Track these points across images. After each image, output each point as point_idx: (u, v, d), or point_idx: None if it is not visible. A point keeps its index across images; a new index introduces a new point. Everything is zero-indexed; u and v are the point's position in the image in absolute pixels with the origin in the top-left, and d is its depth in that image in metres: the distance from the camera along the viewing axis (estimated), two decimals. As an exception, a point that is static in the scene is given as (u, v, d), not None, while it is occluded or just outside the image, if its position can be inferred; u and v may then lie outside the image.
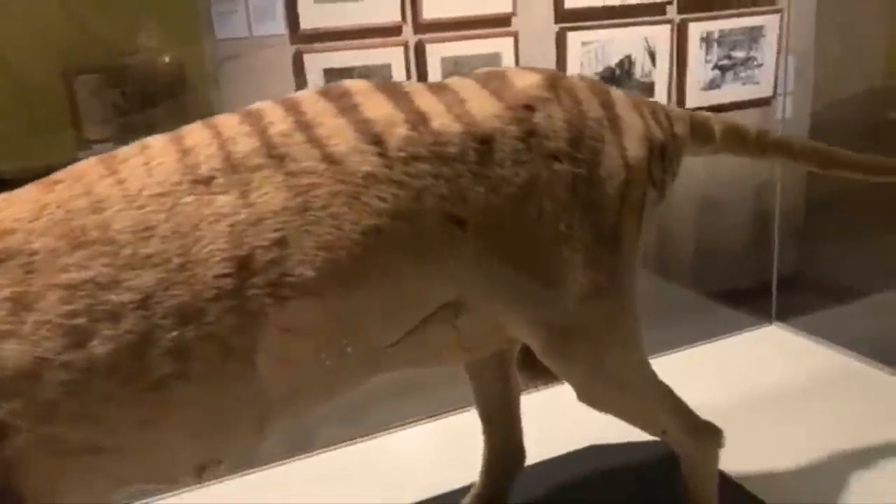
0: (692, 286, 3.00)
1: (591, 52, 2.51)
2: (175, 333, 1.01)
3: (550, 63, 2.42)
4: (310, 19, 2.11)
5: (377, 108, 1.16)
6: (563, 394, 1.41)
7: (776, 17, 2.76)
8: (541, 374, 1.43)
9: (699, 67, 2.68)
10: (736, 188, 2.93)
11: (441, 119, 1.18)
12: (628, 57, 2.57)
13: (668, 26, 2.60)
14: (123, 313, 0.99)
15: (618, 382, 1.38)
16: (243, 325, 1.05)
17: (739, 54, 2.74)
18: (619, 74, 2.56)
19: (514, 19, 2.37)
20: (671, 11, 2.60)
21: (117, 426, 1.03)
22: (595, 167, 1.26)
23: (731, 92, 2.76)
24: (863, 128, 2.92)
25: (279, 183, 1.08)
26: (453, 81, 1.28)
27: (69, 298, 0.98)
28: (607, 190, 1.27)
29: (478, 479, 1.74)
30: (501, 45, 2.34)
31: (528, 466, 1.76)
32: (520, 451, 1.73)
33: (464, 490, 1.78)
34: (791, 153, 1.65)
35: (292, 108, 1.14)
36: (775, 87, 2.83)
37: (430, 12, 2.24)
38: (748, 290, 2.95)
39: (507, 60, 2.33)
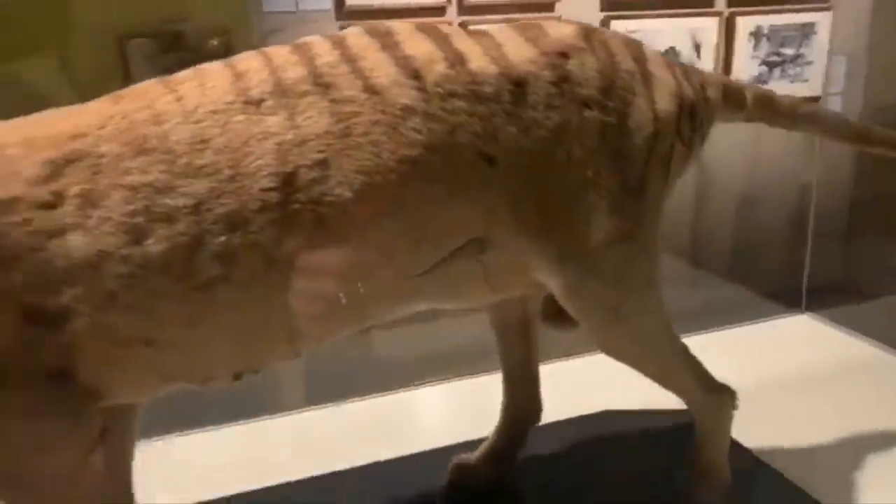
0: (728, 276, 3.00)
1: (636, 41, 2.54)
2: (223, 238, 1.10)
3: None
4: (356, -4, 2.16)
5: (418, 46, 1.24)
6: (581, 364, 1.46)
7: (829, 14, 2.73)
8: (565, 322, 1.47)
9: (746, 62, 2.66)
10: (776, 188, 2.93)
11: (478, 61, 1.24)
12: (673, 48, 2.58)
13: (717, 19, 2.60)
14: (177, 216, 1.09)
15: (636, 330, 1.42)
16: (284, 239, 1.13)
17: (789, 51, 2.72)
18: (663, 65, 2.59)
19: (557, 5, 2.40)
20: (720, 4, 2.60)
21: (167, 321, 1.12)
22: (625, 117, 1.31)
23: (778, 89, 2.64)
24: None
25: (323, 109, 1.16)
26: (492, 28, 1.35)
27: (130, 199, 1.07)
28: (635, 141, 1.32)
29: (492, 433, 1.80)
30: (545, 30, 2.39)
31: (541, 426, 1.80)
32: (536, 409, 1.78)
33: (478, 442, 1.83)
34: (824, 126, 1.68)
35: (338, 43, 1.23)
36: (825, 86, 2.81)
37: (474, -6, 2.28)
38: (781, 280, 2.96)
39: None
